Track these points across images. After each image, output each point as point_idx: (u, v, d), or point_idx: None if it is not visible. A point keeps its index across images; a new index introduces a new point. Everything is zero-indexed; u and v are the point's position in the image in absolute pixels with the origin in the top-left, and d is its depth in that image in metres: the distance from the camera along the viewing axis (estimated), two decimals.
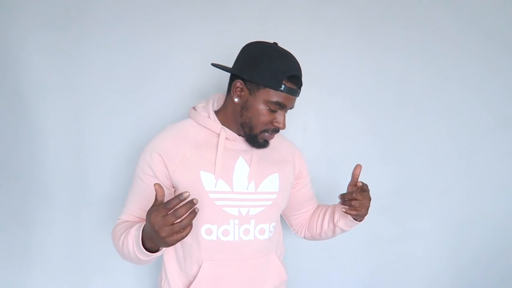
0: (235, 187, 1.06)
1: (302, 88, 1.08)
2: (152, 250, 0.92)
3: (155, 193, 1.01)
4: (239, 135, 1.09)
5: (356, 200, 1.07)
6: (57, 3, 1.48)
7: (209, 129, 1.09)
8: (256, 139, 1.06)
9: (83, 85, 1.51)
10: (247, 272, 1.09)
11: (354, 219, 1.15)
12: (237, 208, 1.06)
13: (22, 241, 1.58)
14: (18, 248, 1.58)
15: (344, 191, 1.54)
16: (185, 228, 0.82)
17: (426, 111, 1.57)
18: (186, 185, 1.02)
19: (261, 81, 1.00)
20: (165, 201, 0.84)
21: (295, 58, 1.05)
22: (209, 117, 1.09)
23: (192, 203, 0.81)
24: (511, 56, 1.56)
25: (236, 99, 1.05)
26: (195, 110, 1.12)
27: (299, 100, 1.55)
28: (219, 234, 1.06)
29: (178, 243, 1.09)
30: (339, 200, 1.13)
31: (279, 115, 1.05)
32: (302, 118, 1.56)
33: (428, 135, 1.58)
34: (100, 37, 1.49)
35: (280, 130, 1.16)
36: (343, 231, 1.21)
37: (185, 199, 0.80)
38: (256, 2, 1.51)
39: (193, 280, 1.06)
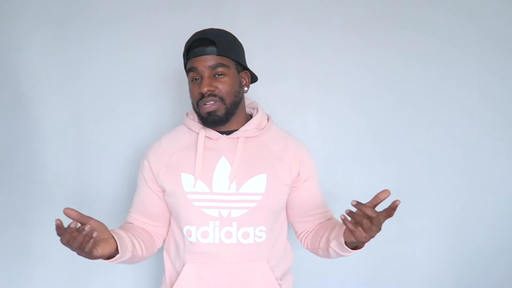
0: (215, 188, 1.03)
1: (224, 46, 1.02)
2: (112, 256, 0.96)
3: (148, 198, 1.11)
4: (222, 134, 1.07)
5: (368, 219, 0.85)
6: (57, 4, 1.48)
7: (193, 130, 1.09)
8: (201, 116, 1.04)
9: (83, 85, 1.52)
10: (230, 278, 1.05)
11: (345, 243, 0.97)
12: (217, 210, 1.03)
13: (22, 241, 1.58)
14: (19, 248, 1.58)
15: (344, 191, 1.56)
16: (72, 249, 0.86)
17: (426, 111, 1.57)
18: (169, 187, 1.06)
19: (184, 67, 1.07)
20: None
21: (207, 29, 1.05)
22: (193, 119, 1.10)
23: (83, 229, 0.85)
24: (511, 56, 1.56)
25: None
26: (186, 115, 1.14)
27: (299, 100, 1.56)
28: (198, 236, 1.03)
29: (172, 244, 1.13)
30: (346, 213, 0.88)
31: (201, 81, 1.02)
32: (302, 118, 1.56)
33: (428, 135, 1.58)
34: (100, 38, 1.49)
35: (285, 132, 1.16)
36: (338, 254, 1.03)
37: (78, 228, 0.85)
38: (256, 2, 1.51)
39: (175, 281, 1.07)
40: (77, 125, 1.53)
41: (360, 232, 0.87)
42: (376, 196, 0.88)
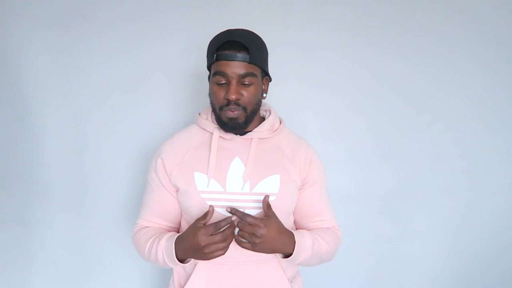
0: (228, 187, 1.03)
1: (257, 53, 1.00)
2: (182, 259, 0.99)
3: (165, 199, 1.08)
4: (236, 134, 1.07)
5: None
6: (57, 4, 1.48)
7: (207, 130, 1.09)
8: (221, 120, 1.03)
9: (83, 85, 1.51)
10: (242, 278, 1.05)
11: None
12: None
13: (22, 241, 1.58)
14: (18, 247, 1.58)
15: (344, 190, 1.56)
16: (226, 247, 0.93)
17: (426, 111, 1.57)
18: (182, 186, 1.05)
19: (207, 62, 1.04)
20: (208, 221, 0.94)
21: (239, 30, 1.01)
22: (207, 118, 1.10)
23: (234, 225, 0.93)
24: (511, 56, 1.56)
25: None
26: (199, 115, 1.13)
27: (299, 100, 1.56)
28: None
29: None
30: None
31: (228, 87, 0.99)
32: (302, 118, 1.56)
33: (428, 135, 1.58)
34: (100, 37, 1.49)
35: (296, 134, 1.16)
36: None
37: (231, 222, 0.92)
38: (257, 2, 1.51)
39: (186, 282, 1.06)
40: (77, 125, 1.53)
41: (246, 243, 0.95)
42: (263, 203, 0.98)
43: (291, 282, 1.11)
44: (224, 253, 0.93)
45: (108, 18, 1.49)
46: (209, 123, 1.09)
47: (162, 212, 1.10)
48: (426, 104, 1.57)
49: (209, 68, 1.05)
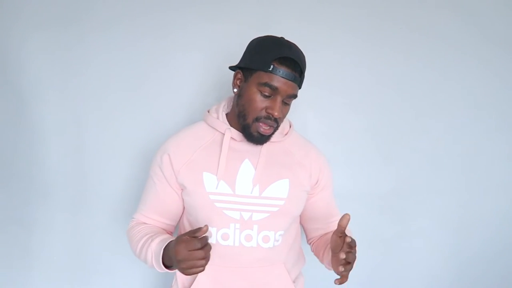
0: (238, 190, 1.02)
1: (303, 78, 1.02)
2: (170, 265, 0.96)
3: (168, 196, 1.06)
4: None
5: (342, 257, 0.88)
6: (57, 3, 1.48)
7: (217, 130, 1.07)
8: (250, 130, 1.00)
9: (83, 85, 1.51)
10: (247, 281, 1.05)
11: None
12: (239, 212, 1.02)
13: (22, 241, 1.58)
14: (18, 248, 1.58)
15: (344, 190, 1.56)
16: (204, 264, 0.86)
17: (426, 111, 1.57)
18: (190, 186, 1.03)
19: (253, 64, 0.98)
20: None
21: (295, 46, 1.00)
22: (217, 118, 1.08)
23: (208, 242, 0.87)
24: (511, 56, 1.56)
25: (235, 90, 1.03)
26: (208, 112, 1.11)
27: (299, 100, 1.55)
28: (218, 238, 1.03)
29: None
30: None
31: (273, 101, 0.98)
32: (302, 118, 1.56)
33: (428, 135, 1.58)
34: (100, 37, 1.49)
35: (305, 138, 1.16)
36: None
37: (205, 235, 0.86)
38: (256, 2, 1.51)
39: (191, 284, 1.05)
40: (77, 125, 1.53)
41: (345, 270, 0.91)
42: (339, 225, 0.91)
43: (294, 282, 1.12)
44: (203, 270, 0.86)
45: (108, 18, 1.49)
46: (220, 123, 1.07)
47: (163, 209, 1.09)
48: (426, 104, 1.57)
49: (249, 68, 1.00)
